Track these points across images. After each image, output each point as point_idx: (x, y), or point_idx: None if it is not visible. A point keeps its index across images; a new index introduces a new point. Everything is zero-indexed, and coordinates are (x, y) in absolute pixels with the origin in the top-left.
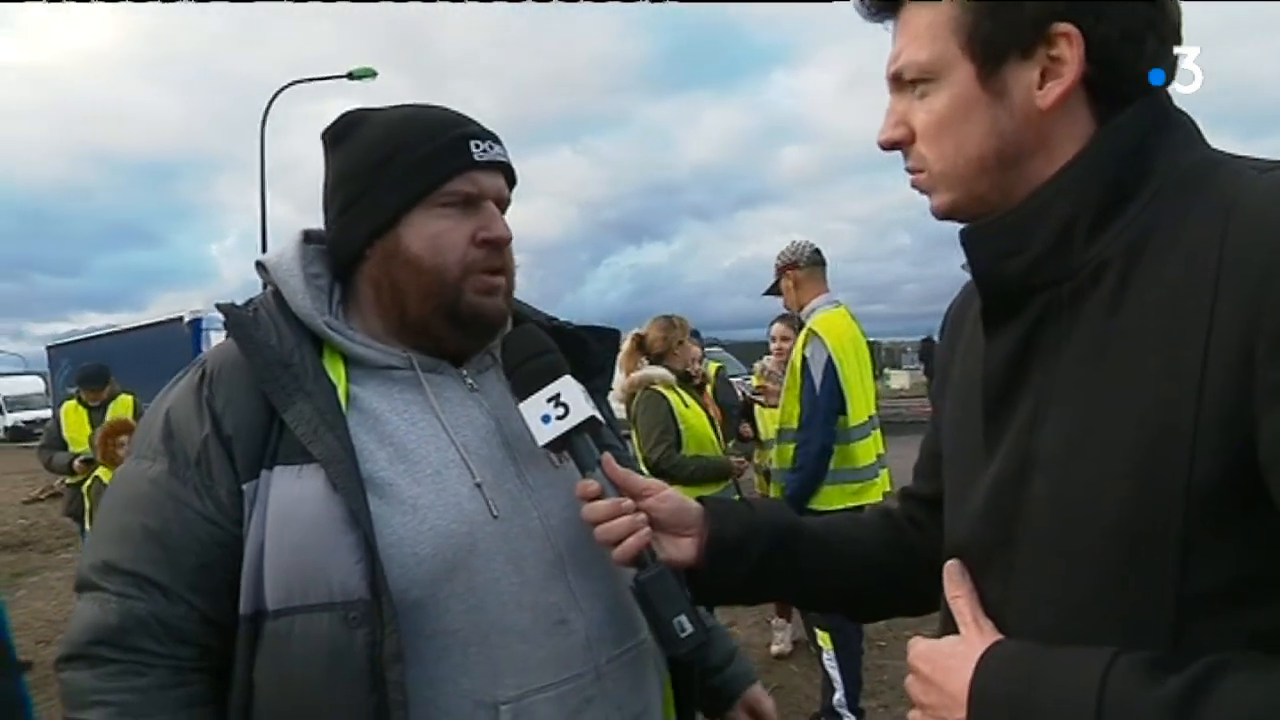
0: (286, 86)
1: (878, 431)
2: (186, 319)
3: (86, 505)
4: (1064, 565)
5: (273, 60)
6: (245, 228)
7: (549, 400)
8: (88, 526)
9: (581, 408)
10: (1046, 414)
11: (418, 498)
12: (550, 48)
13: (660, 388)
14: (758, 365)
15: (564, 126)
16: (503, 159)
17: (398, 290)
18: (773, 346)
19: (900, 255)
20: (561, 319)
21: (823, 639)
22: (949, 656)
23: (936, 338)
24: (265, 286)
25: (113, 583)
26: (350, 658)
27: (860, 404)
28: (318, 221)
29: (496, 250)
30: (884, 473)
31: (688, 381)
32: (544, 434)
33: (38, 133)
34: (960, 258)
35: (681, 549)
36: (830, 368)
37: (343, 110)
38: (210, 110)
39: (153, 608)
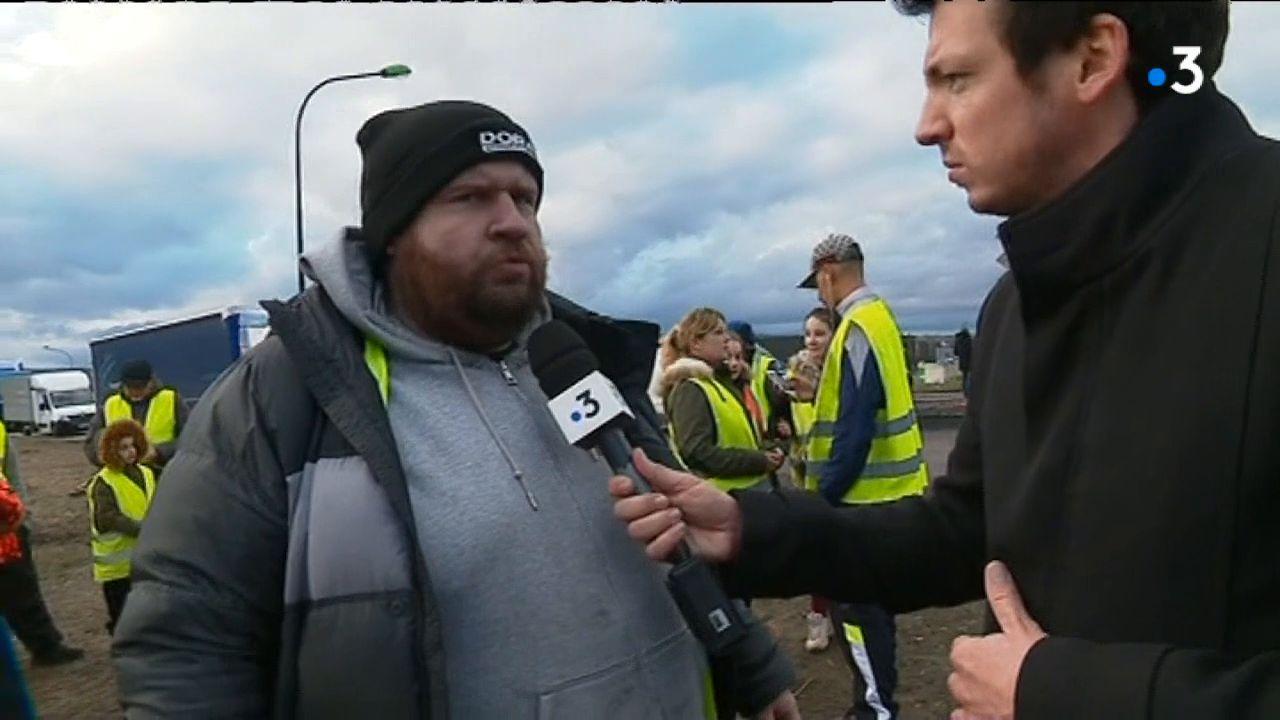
0: (322, 84)
1: (916, 426)
2: (225, 315)
3: (91, 508)
4: (1110, 561)
5: (308, 58)
6: (281, 224)
7: (578, 398)
8: (94, 530)
9: (611, 404)
10: (1090, 408)
11: (458, 489)
12: (584, 42)
13: (697, 380)
14: (793, 359)
15: (597, 120)
16: (518, 148)
17: (419, 287)
18: (808, 341)
19: (935, 248)
20: (600, 314)
21: (852, 633)
22: (994, 653)
23: (973, 331)
24: (301, 283)
25: (164, 572)
26: (392, 647)
27: (900, 397)
28: (353, 217)
29: (512, 242)
30: (923, 467)
31: (725, 375)
32: (574, 432)
33: (82, 133)
34: (995, 250)
35: (715, 543)
36: (871, 360)
37: (376, 106)
38: (247, 108)
39: (202, 597)
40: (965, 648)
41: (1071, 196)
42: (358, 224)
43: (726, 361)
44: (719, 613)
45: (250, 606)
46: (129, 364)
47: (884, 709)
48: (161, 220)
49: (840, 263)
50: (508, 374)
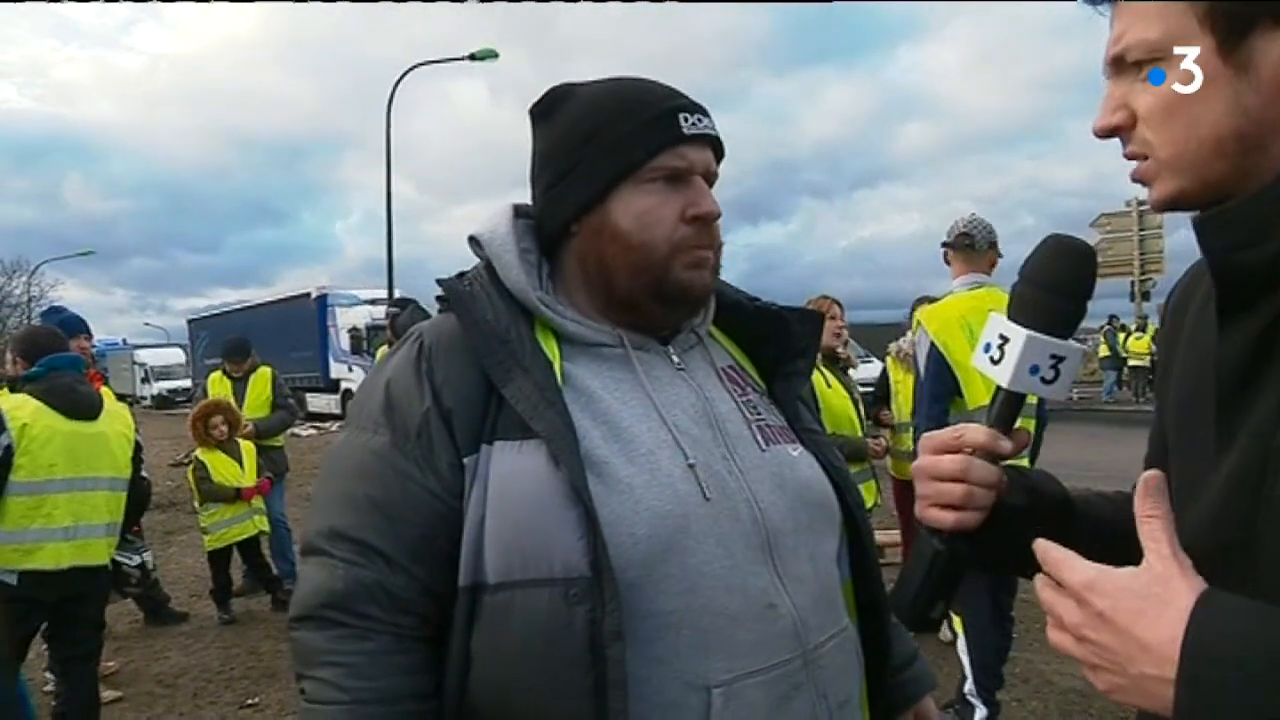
0: (411, 69)
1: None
2: (314, 295)
3: (192, 486)
4: None
5: (398, 42)
6: (368, 206)
7: (1052, 356)
8: (197, 506)
9: (1063, 385)
10: None
11: (632, 477)
12: (673, 23)
13: None
14: (893, 346)
15: None
16: (711, 132)
17: (605, 267)
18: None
19: (1023, 237)
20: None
21: (956, 623)
22: (1139, 596)
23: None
24: (390, 265)
25: (339, 549)
26: (570, 634)
27: (980, 386)
28: (437, 199)
29: (706, 226)
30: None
31: (834, 362)
32: (1020, 383)
33: (184, 117)
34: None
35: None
36: (933, 354)
37: (464, 90)
38: (338, 92)
39: (377, 576)
40: (1094, 579)
41: (1278, 188)
42: (528, 202)
43: (837, 349)
44: (941, 604)
45: (423, 588)
46: (230, 341)
47: (982, 705)
48: (255, 202)
49: (948, 247)
50: (675, 358)
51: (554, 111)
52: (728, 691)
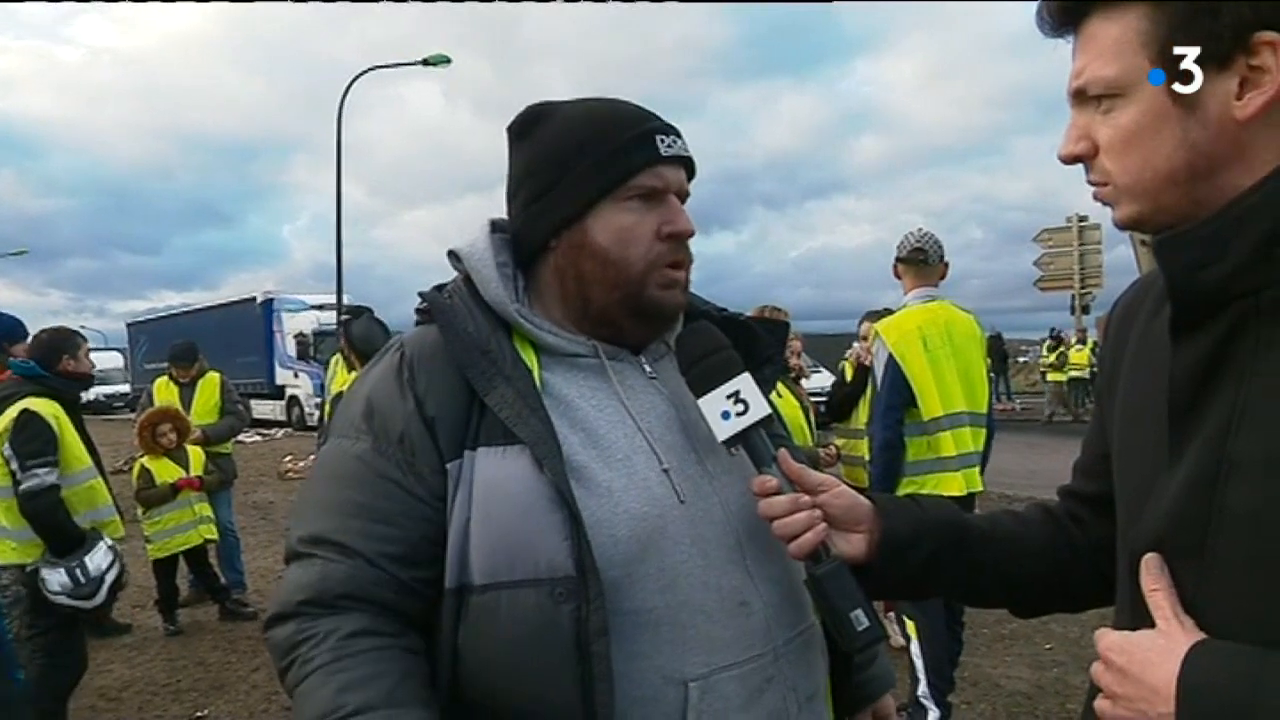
0: (363, 73)
1: (974, 428)
2: (259, 299)
3: (135, 490)
4: (1264, 578)
5: (353, 44)
6: (317, 209)
7: (728, 397)
8: (140, 515)
9: (760, 405)
10: (1242, 421)
11: (611, 481)
12: (634, 32)
13: None
14: (850, 352)
15: None
16: (685, 153)
17: (583, 281)
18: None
19: (971, 250)
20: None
21: (909, 627)
22: (1147, 650)
23: (1006, 335)
24: (339, 269)
25: (322, 551)
26: (556, 632)
27: (932, 397)
28: (390, 204)
29: (681, 244)
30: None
31: (784, 372)
32: (724, 430)
33: (128, 114)
34: (1030, 255)
35: (853, 544)
36: (890, 364)
37: (417, 95)
38: (289, 93)
39: (355, 573)
40: (1115, 642)
41: (1233, 212)
42: (503, 217)
43: (787, 358)
44: (859, 613)
45: (405, 589)
46: (176, 346)
47: (935, 707)
48: (201, 203)
49: (902, 264)
50: (647, 367)
51: (533, 130)
52: (704, 685)
